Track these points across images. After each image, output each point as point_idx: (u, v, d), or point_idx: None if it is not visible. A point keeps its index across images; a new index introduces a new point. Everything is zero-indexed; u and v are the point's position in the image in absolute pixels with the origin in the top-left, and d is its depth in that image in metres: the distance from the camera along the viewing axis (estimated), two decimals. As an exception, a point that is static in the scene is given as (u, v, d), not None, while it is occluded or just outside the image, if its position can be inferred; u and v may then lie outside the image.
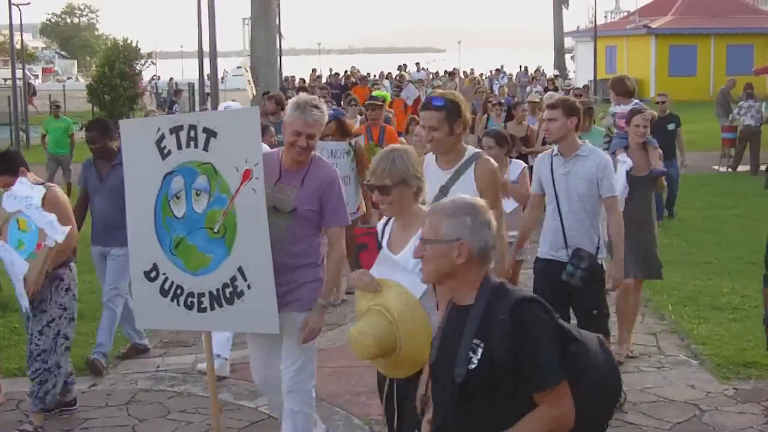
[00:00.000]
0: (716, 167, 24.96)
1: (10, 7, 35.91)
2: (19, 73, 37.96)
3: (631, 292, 9.62)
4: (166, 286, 6.71)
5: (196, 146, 6.56)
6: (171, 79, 58.87)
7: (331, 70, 54.78)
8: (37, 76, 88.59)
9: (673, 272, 13.10)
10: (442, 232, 4.07)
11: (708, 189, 21.18)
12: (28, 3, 41.83)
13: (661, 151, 9.94)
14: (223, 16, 30.05)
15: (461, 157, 6.63)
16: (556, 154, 7.90)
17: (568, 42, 71.33)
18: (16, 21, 38.85)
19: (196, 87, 37.85)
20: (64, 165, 21.44)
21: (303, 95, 7.21)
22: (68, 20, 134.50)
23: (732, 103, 27.57)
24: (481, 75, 55.45)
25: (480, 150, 6.86)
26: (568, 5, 68.43)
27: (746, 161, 24.19)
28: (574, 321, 7.43)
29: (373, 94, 18.56)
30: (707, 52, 55.31)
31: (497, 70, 55.83)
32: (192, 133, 6.57)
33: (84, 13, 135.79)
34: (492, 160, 6.82)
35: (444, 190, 6.55)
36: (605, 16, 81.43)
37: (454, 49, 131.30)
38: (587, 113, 12.93)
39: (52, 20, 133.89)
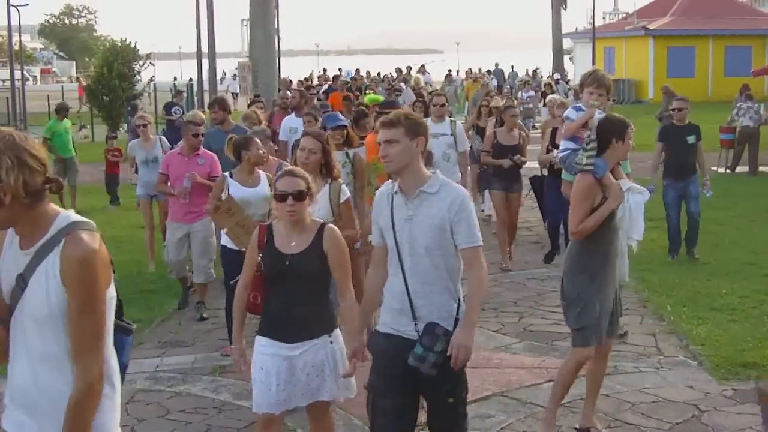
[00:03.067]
0: (714, 168, 24.99)
1: (8, 9, 35.97)
2: (17, 74, 37.97)
3: (601, 358, 7.79)
4: None
5: None
6: (175, 79, 58.60)
7: (324, 71, 54.61)
8: (35, 77, 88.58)
9: (671, 273, 13.13)
10: None
11: (706, 190, 21.15)
12: (27, 4, 41.93)
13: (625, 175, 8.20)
14: (221, 18, 30.07)
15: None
16: (397, 191, 5.85)
17: (567, 43, 71.34)
18: (14, 22, 38.88)
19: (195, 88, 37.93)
20: (71, 168, 20.57)
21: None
22: (66, 21, 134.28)
23: None
24: (485, 72, 54.48)
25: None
26: (566, 7, 68.43)
27: (744, 162, 24.20)
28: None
29: (366, 98, 18.04)
30: (706, 53, 55.33)
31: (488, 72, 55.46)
32: None
33: (82, 14, 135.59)
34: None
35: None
36: (603, 18, 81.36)
37: (453, 51, 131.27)
38: None
39: (51, 21, 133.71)
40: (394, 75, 49.51)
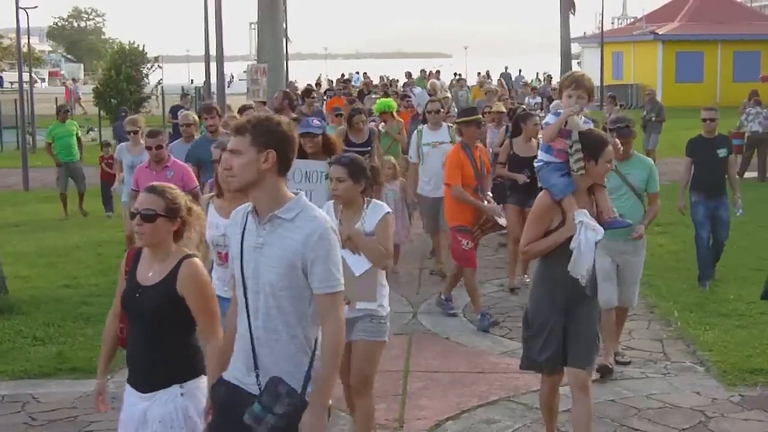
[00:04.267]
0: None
1: (17, 11, 35.91)
2: (25, 77, 37.98)
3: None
4: None
5: None
6: (192, 81, 58.36)
7: (343, 75, 54.31)
8: (43, 80, 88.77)
9: (679, 279, 13.09)
10: None
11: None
12: (35, 7, 41.95)
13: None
14: (229, 21, 30.09)
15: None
16: (251, 211, 4.91)
17: (575, 48, 71.19)
18: (23, 25, 38.90)
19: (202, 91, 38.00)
20: (77, 174, 20.18)
21: None
22: (75, 24, 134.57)
23: None
24: (485, 77, 54.01)
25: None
26: (575, 11, 68.22)
27: (753, 168, 24.16)
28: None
29: (377, 104, 17.15)
30: (714, 58, 55.26)
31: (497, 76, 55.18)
32: None
33: (90, 17, 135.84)
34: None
35: None
36: (612, 22, 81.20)
37: (461, 55, 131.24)
38: (623, 132, 9.47)
39: (59, 24, 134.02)
40: (392, 78, 49.32)
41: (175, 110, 26.07)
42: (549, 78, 54.91)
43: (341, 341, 4.76)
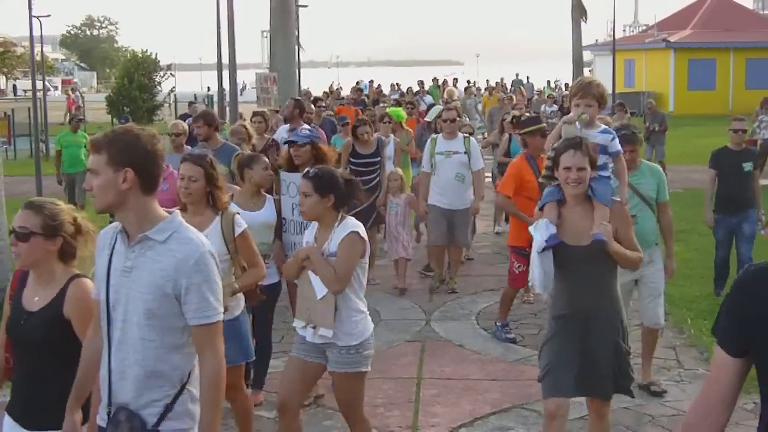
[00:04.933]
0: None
1: (30, 19, 36.04)
2: (39, 85, 38.12)
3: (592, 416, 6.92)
4: None
5: None
6: (209, 88, 58.38)
7: (358, 83, 54.13)
8: (56, 88, 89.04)
9: (692, 286, 13.08)
10: None
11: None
12: (49, 15, 42.05)
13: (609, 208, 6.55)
14: (241, 29, 30.15)
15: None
16: (121, 231, 4.43)
17: (587, 55, 71.20)
18: (36, 33, 39.02)
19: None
20: (78, 183, 19.28)
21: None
22: (88, 32, 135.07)
23: None
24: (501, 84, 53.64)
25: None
26: (586, 18, 68.19)
27: (766, 175, 24.09)
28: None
29: (387, 111, 17.00)
30: (726, 66, 55.16)
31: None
32: None
33: (103, 25, 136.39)
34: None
35: None
36: (624, 30, 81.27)
37: (473, 62, 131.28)
38: (628, 139, 8.62)
39: (72, 32, 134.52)
40: (402, 87, 49.10)
41: (183, 118, 26.10)
42: (566, 85, 54.48)
43: (221, 376, 4.32)
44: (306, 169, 7.08)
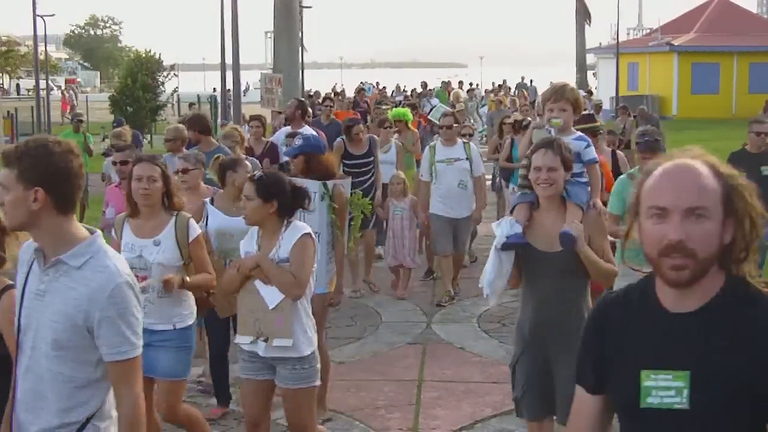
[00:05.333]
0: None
1: (34, 19, 36.17)
2: (42, 84, 38.21)
3: None
4: None
5: None
6: (215, 89, 58.05)
7: (361, 84, 53.66)
8: (60, 87, 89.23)
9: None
10: None
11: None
12: (53, 15, 42.21)
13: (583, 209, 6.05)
14: (245, 29, 30.18)
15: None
16: (37, 249, 4.02)
17: (590, 59, 71.21)
18: (40, 32, 39.10)
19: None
20: None
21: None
22: (91, 32, 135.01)
23: None
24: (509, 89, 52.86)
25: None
26: (590, 22, 68.26)
27: None
28: None
29: (392, 113, 16.42)
30: (730, 70, 55.15)
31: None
32: None
33: (107, 25, 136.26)
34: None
35: None
36: (627, 33, 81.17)
37: (476, 65, 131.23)
38: (651, 147, 8.24)
39: (76, 32, 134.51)
40: (403, 88, 48.87)
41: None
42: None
43: (138, 417, 3.95)
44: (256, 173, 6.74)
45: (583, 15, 66.50)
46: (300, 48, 35.16)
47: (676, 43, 56.22)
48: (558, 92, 6.46)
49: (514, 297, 12.66)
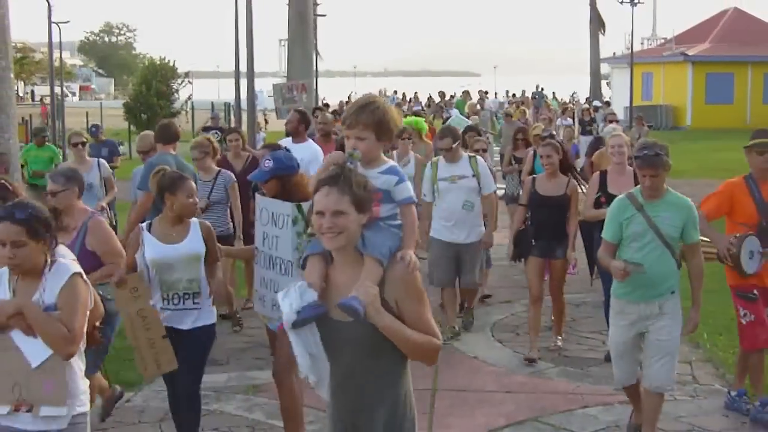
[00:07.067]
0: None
1: (49, 25, 36.25)
2: (57, 91, 38.33)
3: None
4: None
5: None
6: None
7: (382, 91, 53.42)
8: (74, 94, 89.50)
9: (707, 301, 12.94)
10: None
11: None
12: (68, 21, 42.34)
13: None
14: (259, 37, 30.24)
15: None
16: None
17: (605, 68, 71.19)
18: (55, 39, 39.23)
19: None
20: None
21: None
22: (106, 39, 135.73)
23: None
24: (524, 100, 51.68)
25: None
26: (604, 31, 68.29)
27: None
28: None
29: (404, 120, 15.02)
30: (744, 80, 55.12)
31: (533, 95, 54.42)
32: None
33: (122, 32, 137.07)
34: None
35: None
36: (642, 43, 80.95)
37: (490, 74, 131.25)
38: (651, 162, 7.29)
39: (90, 39, 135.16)
40: (414, 98, 48.70)
41: (206, 131, 26.13)
42: (587, 99, 53.53)
43: None
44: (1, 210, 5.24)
45: (597, 24, 66.51)
46: (314, 56, 35.20)
47: (690, 53, 56.21)
48: (354, 115, 4.78)
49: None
